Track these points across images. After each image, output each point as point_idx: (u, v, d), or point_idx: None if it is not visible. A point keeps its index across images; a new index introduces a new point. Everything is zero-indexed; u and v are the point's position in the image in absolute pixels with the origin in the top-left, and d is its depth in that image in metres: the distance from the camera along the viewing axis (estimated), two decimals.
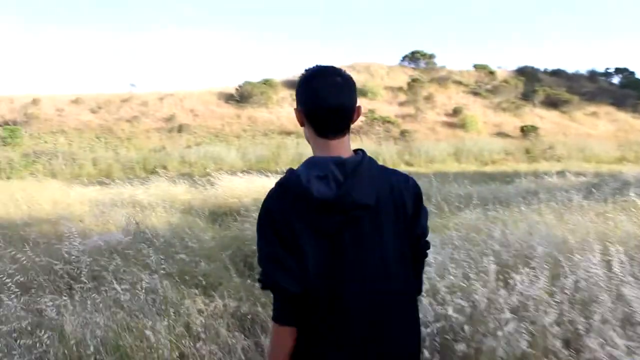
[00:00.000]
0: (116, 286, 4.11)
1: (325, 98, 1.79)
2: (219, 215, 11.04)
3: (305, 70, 1.89)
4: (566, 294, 3.58)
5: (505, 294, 3.47)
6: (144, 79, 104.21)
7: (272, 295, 1.81)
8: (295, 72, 41.57)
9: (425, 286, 3.98)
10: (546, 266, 3.88)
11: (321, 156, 1.83)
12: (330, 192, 1.71)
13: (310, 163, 1.82)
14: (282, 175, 1.87)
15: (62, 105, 36.05)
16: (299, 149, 28.09)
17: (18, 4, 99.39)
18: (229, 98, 38.03)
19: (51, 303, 3.81)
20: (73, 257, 5.08)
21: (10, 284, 4.07)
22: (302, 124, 1.90)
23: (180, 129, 33.92)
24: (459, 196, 10.27)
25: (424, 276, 2.56)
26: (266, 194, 1.83)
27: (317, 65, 1.90)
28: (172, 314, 3.93)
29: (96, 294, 4.21)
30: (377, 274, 1.79)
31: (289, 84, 38.81)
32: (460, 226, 6.48)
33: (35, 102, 35.43)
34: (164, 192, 13.19)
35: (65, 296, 4.25)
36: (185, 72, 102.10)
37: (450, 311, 3.52)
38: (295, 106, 1.90)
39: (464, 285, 3.83)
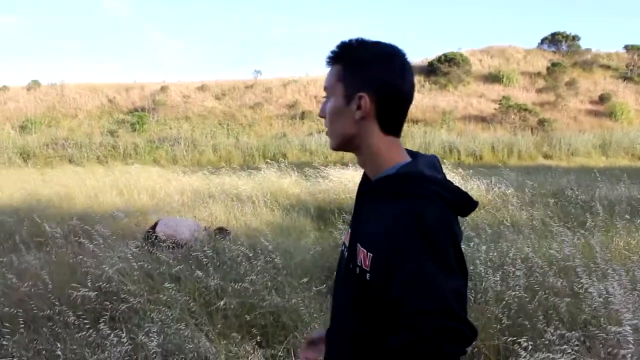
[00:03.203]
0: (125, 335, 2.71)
1: (412, 85, 1.47)
2: (327, 212, 9.63)
3: (360, 40, 1.48)
4: None
5: None
6: (270, 65, 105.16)
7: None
8: (424, 57, 39.60)
9: None
10: None
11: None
12: None
13: (425, 163, 1.46)
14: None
15: (189, 92, 36.53)
16: (425, 138, 26.20)
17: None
18: None
19: None
20: (105, 275, 3.79)
21: None
22: (363, 117, 1.43)
23: (303, 115, 33.15)
24: (629, 200, 8.06)
25: None
26: (416, 198, 1.34)
27: (374, 40, 1.49)
28: None
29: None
30: None
31: (416, 70, 36.76)
32: None
33: (163, 89, 36.14)
34: (271, 184, 12.04)
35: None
36: (310, 58, 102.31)
37: None
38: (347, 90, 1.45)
39: None
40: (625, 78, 38.38)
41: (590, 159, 24.63)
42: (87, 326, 3.29)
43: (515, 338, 3.06)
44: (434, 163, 1.48)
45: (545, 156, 25.41)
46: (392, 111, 1.45)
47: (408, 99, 1.46)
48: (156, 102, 33.89)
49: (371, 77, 1.43)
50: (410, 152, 1.52)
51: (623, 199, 8.15)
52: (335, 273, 1.64)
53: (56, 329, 3.46)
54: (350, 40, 1.48)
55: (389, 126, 1.46)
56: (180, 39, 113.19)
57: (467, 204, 1.40)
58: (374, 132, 1.45)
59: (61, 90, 36.48)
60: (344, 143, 1.50)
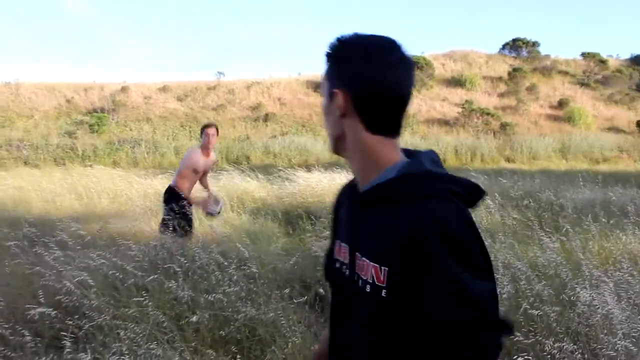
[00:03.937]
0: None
1: (401, 81, 1.33)
2: (295, 217, 9.42)
3: (355, 36, 1.37)
4: None
5: None
6: (232, 67, 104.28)
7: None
8: None
9: None
10: None
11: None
12: None
13: (427, 160, 1.34)
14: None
15: (150, 93, 35.85)
16: None
17: None
18: (318, 86, 36.51)
19: None
20: (65, 288, 3.48)
21: None
22: (343, 114, 1.34)
23: (266, 118, 32.89)
24: (596, 202, 8.06)
25: None
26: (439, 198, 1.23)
27: (367, 34, 1.37)
28: None
29: None
30: None
31: None
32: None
33: (123, 90, 35.36)
34: (236, 187, 11.74)
35: None
36: (273, 60, 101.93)
37: None
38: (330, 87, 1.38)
39: None
40: (583, 84, 39.33)
41: (551, 162, 25.00)
42: (46, 346, 2.98)
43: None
44: (434, 159, 1.38)
45: (508, 160, 25.70)
46: (375, 108, 1.32)
47: (395, 95, 1.33)
48: (116, 103, 33.09)
49: (347, 73, 1.34)
50: (407, 151, 1.42)
51: (597, 202, 8.15)
52: (331, 298, 1.50)
53: (9, 354, 3.11)
54: (343, 36, 1.38)
55: (376, 125, 1.33)
56: (141, 39, 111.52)
57: (477, 194, 1.32)
58: (359, 130, 1.34)
59: (16, 90, 35.30)
60: (335, 144, 1.42)
